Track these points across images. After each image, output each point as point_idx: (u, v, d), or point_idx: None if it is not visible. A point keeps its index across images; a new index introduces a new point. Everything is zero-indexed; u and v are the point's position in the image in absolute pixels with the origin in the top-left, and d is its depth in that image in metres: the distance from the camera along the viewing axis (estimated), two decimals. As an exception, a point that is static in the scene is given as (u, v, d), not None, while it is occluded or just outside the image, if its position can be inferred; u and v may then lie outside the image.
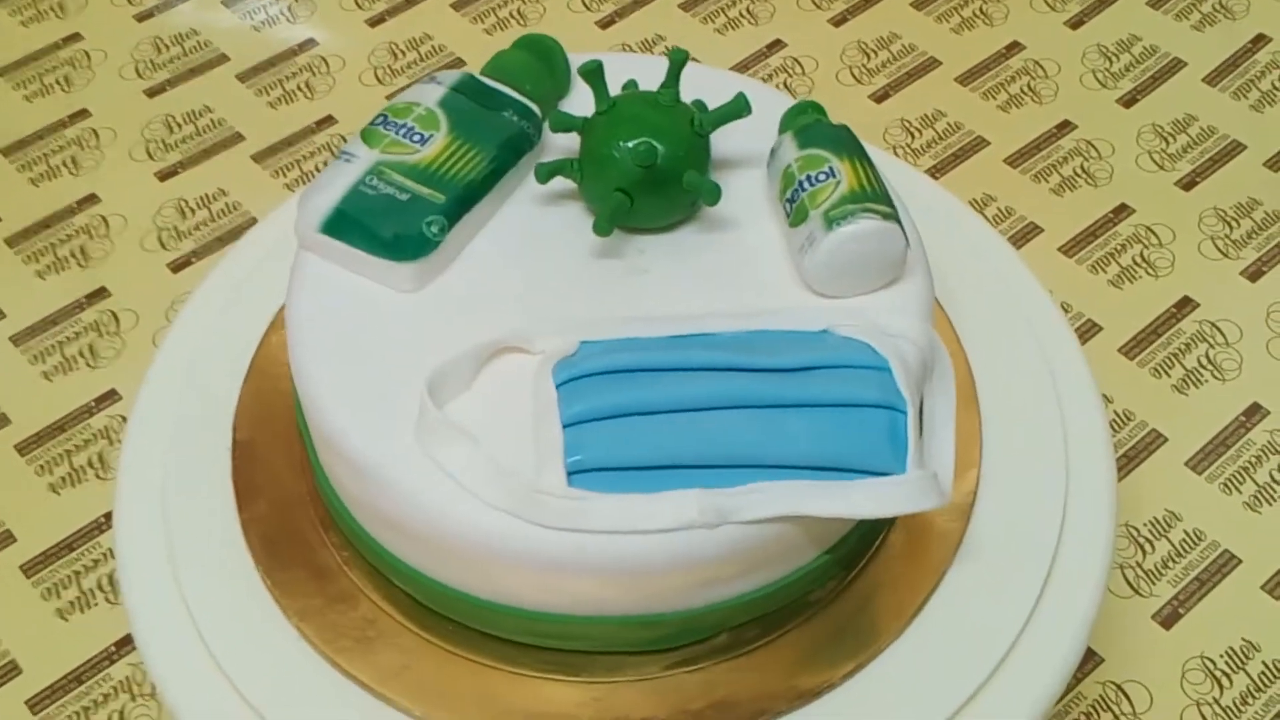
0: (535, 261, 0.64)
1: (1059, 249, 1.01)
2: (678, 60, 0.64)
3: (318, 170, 1.08)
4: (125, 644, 0.83)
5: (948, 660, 0.62)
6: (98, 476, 0.89)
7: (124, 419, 0.92)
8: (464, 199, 0.64)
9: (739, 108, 0.63)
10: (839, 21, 1.19)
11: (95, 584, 0.85)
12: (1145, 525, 0.86)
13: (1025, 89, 1.14)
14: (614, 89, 0.68)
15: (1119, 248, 1.02)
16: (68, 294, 1.00)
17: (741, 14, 1.19)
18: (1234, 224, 1.03)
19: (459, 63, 1.16)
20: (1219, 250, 1.01)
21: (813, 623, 0.63)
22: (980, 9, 1.19)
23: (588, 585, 0.57)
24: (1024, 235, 1.03)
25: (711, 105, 0.66)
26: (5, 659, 0.83)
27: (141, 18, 1.21)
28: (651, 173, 0.62)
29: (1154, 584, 0.83)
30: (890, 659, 0.62)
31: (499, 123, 0.67)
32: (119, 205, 1.06)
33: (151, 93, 1.15)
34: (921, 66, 1.15)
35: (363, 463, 0.58)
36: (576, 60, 0.72)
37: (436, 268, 0.63)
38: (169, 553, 0.67)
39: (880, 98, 1.13)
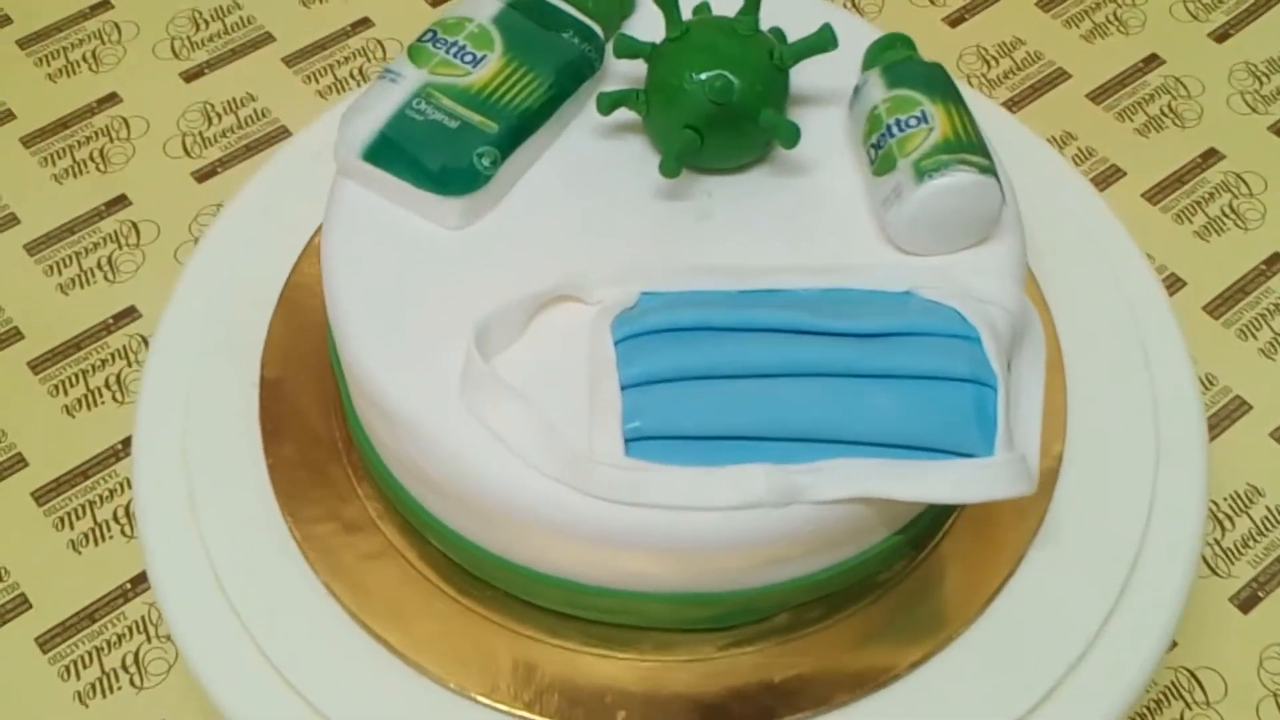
0: (593, 199, 0.60)
1: (1142, 195, 0.96)
2: (759, -14, 0.59)
3: (352, 78, 1.04)
4: (141, 581, 0.81)
5: (1024, 651, 0.59)
6: (115, 400, 0.86)
7: (144, 339, 0.89)
8: (519, 129, 0.60)
9: (824, 41, 0.59)
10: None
11: (111, 515, 0.82)
12: (1225, 500, 0.82)
13: (1111, 17, 1.08)
14: (685, 13, 0.63)
15: (1206, 196, 0.97)
16: (86, 200, 0.97)
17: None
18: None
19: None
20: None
21: (878, 605, 0.59)
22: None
23: (641, 561, 0.54)
24: (1105, 179, 0.98)
25: (791, 35, 0.62)
26: (14, 592, 0.81)
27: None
28: (725, 109, 0.58)
29: (1233, 564, 0.80)
30: (962, 647, 0.59)
31: (558, 44, 0.62)
32: (141, 107, 1.02)
33: (178, -12, 1.11)
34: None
35: (401, 416, 0.54)
36: (642, -25, 0.68)
37: (487, 203, 0.59)
38: (189, 498, 0.64)
39: (955, 21, 1.08)
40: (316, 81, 1.04)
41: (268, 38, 1.07)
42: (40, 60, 1.05)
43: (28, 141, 1.00)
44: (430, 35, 0.62)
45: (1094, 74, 1.04)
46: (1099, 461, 0.64)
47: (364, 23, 1.08)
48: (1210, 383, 0.88)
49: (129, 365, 0.88)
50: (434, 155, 0.59)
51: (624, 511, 0.52)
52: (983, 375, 0.54)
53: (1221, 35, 1.07)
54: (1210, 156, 0.99)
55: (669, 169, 0.58)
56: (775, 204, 0.60)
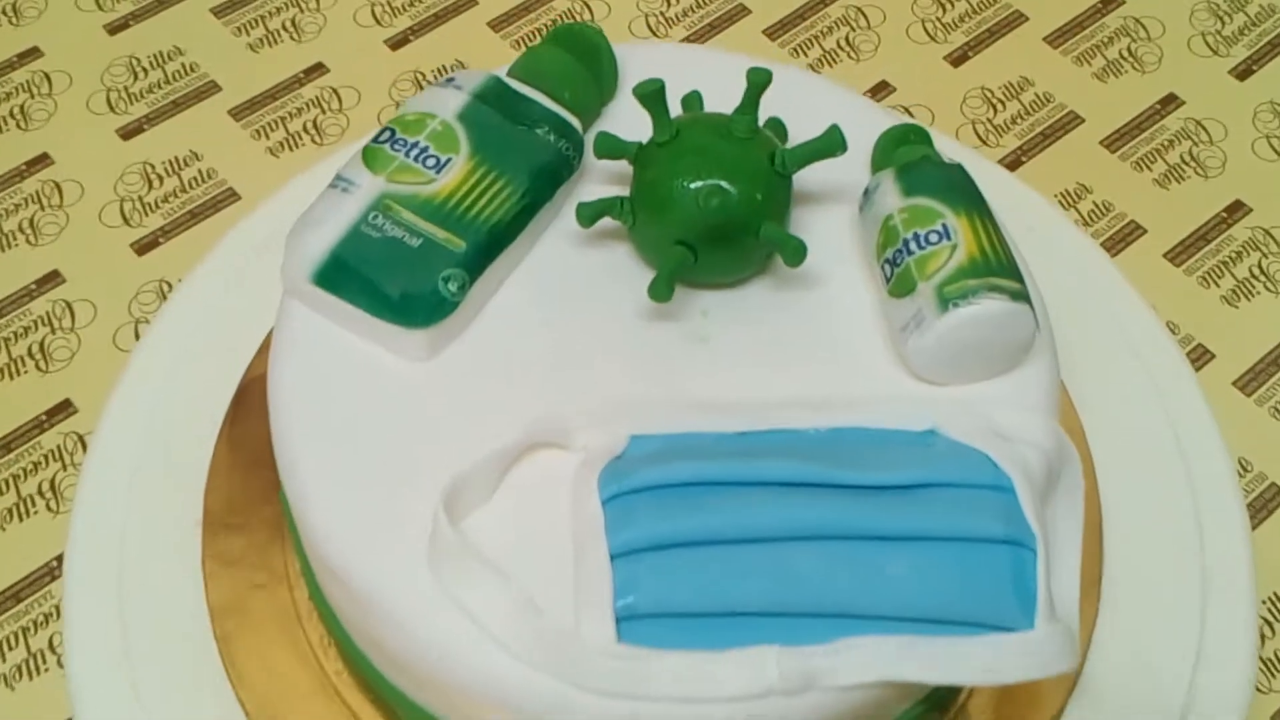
0: (573, 321, 0.55)
1: (1164, 255, 0.92)
2: (757, 83, 0.54)
3: (305, 132, 0.98)
4: None
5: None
6: (49, 508, 0.81)
7: (80, 438, 0.83)
8: (489, 245, 0.55)
9: (831, 145, 0.54)
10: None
11: (46, 643, 0.77)
12: (1266, 603, 0.78)
13: (1125, 53, 1.03)
14: (674, 104, 0.58)
15: (1234, 255, 0.92)
16: (16, 277, 0.91)
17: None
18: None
19: (469, 1, 1.06)
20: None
21: (900, 775, 0.55)
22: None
23: (635, 751, 0.49)
24: (1123, 237, 0.93)
25: (791, 118, 0.57)
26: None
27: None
28: (721, 223, 0.53)
29: (1273, 678, 0.75)
30: (993, 822, 0.55)
31: (532, 143, 0.57)
32: (75, 169, 0.96)
33: (113, 29, 1.05)
34: (1005, 22, 1.05)
35: (364, 591, 0.49)
36: (625, 54, 0.62)
37: (453, 331, 0.54)
38: (123, 641, 0.59)
39: (958, 60, 1.03)
40: (266, 137, 0.98)
41: (213, 87, 1.01)
42: (-38, 117, 0.99)
43: (-48, 209, 0.94)
44: (388, 135, 0.57)
45: (1108, 118, 1.00)
46: (1139, 600, 0.60)
47: (318, 69, 1.03)
48: (1246, 467, 0.83)
49: (64, 468, 0.82)
50: (394, 280, 0.53)
51: (620, 704, 0.47)
52: (1019, 535, 0.49)
53: (1244, 72, 1.03)
54: (1236, 210, 0.95)
55: (660, 293, 0.53)
56: (778, 324, 0.55)
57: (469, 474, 0.50)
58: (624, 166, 0.57)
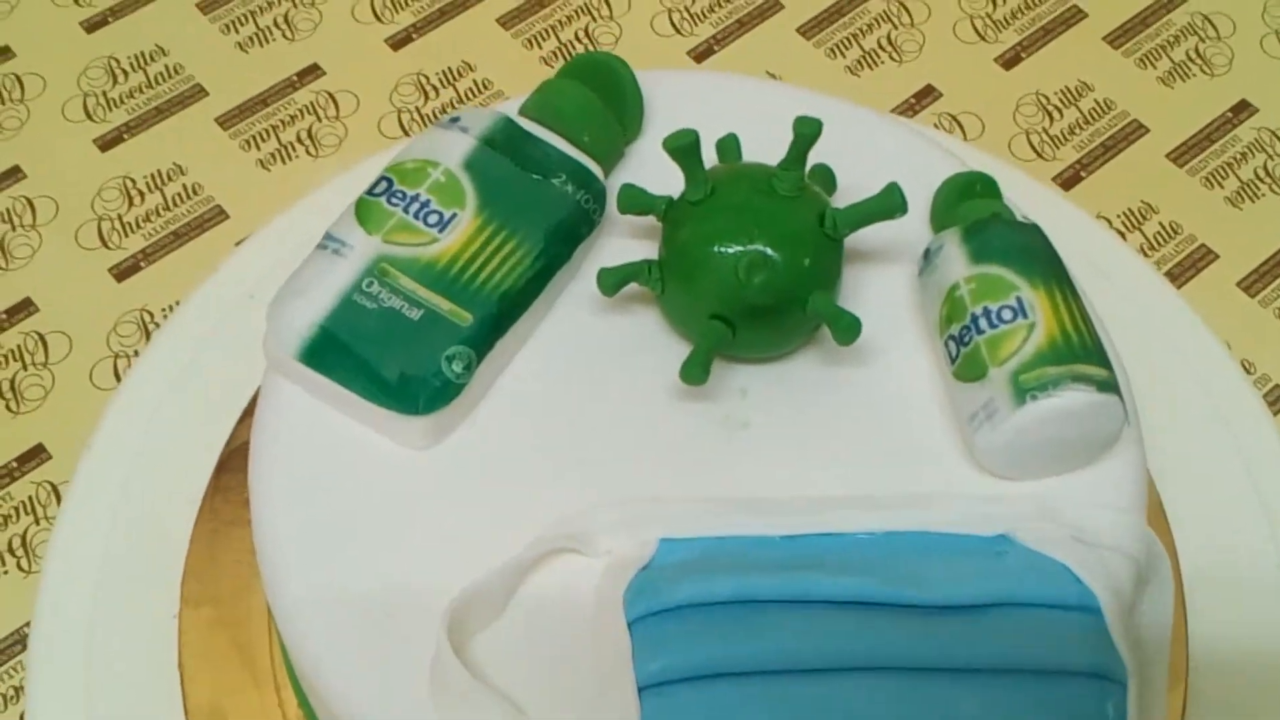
0: (593, 402, 0.50)
1: (1237, 284, 0.87)
2: (805, 134, 0.49)
3: (299, 142, 0.94)
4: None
5: None
6: (20, 568, 0.76)
7: (54, 488, 0.79)
8: (499, 318, 0.50)
9: (890, 206, 0.49)
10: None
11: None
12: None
13: (1193, 53, 0.98)
14: (706, 141, 0.53)
15: (1314, 283, 0.87)
16: (-14, 306, 0.87)
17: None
18: None
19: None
20: None
21: None
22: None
23: None
24: (1193, 263, 0.88)
25: (836, 151, 0.52)
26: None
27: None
28: (763, 294, 0.48)
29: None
30: None
31: (547, 196, 0.52)
32: (48, 184, 0.91)
33: (90, 25, 1.00)
34: (1061, 19, 1.00)
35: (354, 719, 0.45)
36: (651, 83, 0.57)
37: (458, 416, 0.50)
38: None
39: (1010, 61, 0.98)
40: (257, 147, 0.93)
41: (199, 91, 0.96)
42: (-72, 125, 0.95)
43: (-86, 230, 0.90)
44: (384, 187, 0.52)
45: (1175, 127, 0.94)
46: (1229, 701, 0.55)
47: (312, 70, 0.97)
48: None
49: (36, 522, 0.78)
50: (391, 359, 0.49)
51: None
52: (1109, 667, 0.44)
53: (1318, 74, 0.97)
54: (1319, 236, 0.90)
55: (694, 376, 0.48)
56: (827, 406, 0.50)
57: (476, 589, 0.45)
58: (651, 221, 0.52)
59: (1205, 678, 0.55)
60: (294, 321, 0.50)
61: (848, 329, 0.48)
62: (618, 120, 0.56)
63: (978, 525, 0.48)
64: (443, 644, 0.44)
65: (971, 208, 0.52)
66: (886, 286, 0.53)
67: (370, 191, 0.52)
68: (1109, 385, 0.47)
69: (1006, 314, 0.48)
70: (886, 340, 0.52)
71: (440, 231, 0.51)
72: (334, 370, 0.49)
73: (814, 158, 0.52)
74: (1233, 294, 0.87)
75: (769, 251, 0.48)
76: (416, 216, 0.51)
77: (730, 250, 0.48)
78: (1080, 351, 0.47)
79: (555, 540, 0.47)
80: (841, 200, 0.52)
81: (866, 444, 0.50)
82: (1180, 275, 0.88)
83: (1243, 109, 0.96)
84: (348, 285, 0.50)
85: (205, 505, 0.59)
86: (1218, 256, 0.89)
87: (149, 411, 0.63)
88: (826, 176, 0.54)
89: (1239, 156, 0.94)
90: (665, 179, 0.52)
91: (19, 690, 0.74)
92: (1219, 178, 0.93)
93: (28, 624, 0.71)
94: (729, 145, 0.53)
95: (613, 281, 0.50)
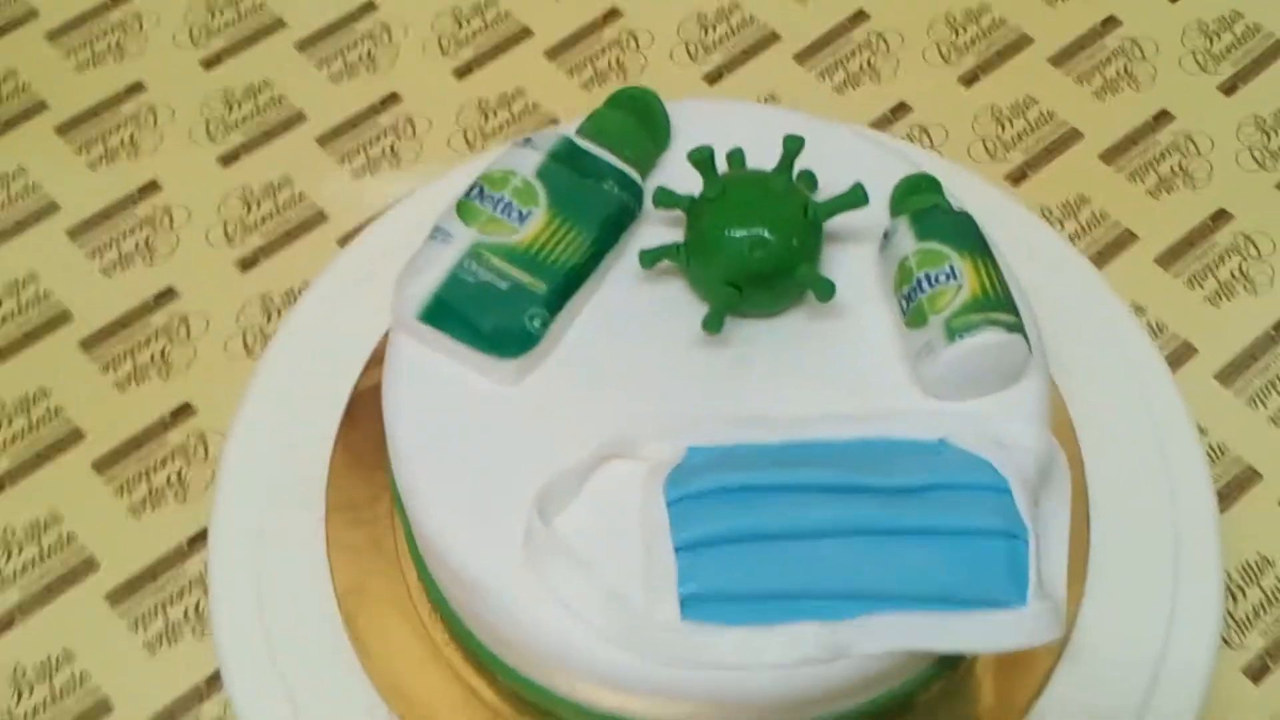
0: (637, 349, 0.63)
1: (1154, 260, 0.99)
2: (791, 149, 0.62)
3: (384, 157, 1.07)
4: (215, 680, 0.85)
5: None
6: (176, 499, 0.90)
7: (202, 436, 0.92)
8: (566, 286, 0.63)
9: (855, 199, 0.62)
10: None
11: (181, 615, 0.86)
12: (1237, 570, 0.86)
13: (1122, 71, 1.10)
14: (719, 151, 0.65)
15: (1217, 260, 0.99)
16: (136, 293, 1.00)
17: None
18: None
19: (525, 33, 1.13)
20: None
21: (917, 724, 0.63)
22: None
23: (697, 709, 0.57)
24: (1118, 245, 1.00)
25: (821, 167, 0.64)
26: (96, 695, 0.85)
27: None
28: (763, 266, 0.61)
29: (1244, 635, 0.83)
30: (998, 763, 0.63)
31: (600, 196, 0.65)
32: (181, 195, 1.05)
33: (208, 63, 1.13)
34: (1012, 45, 1.12)
35: (470, 577, 0.58)
36: (676, 110, 0.70)
37: (537, 360, 0.62)
38: (263, 628, 0.68)
39: (969, 80, 1.10)
40: (350, 162, 1.06)
41: (299, 117, 1.09)
42: (80, 148, 1.08)
43: (74, 233, 1.03)
44: (477, 191, 0.65)
45: (1106, 133, 1.07)
46: (1121, 575, 0.68)
47: (393, 98, 1.10)
48: (1221, 452, 0.91)
49: (188, 463, 0.91)
50: (487, 318, 0.62)
51: (682, 671, 0.55)
52: (1014, 528, 0.57)
53: (1230, 88, 1.09)
54: (1220, 218, 1.02)
55: (713, 326, 0.61)
56: (811, 350, 0.63)
57: (556, 481, 0.58)
58: (678, 213, 0.65)
59: (1101, 553, 0.68)
60: (416, 291, 0.62)
61: (825, 290, 0.61)
62: (651, 139, 0.68)
63: (923, 433, 0.60)
64: (534, 520, 0.57)
65: (918, 200, 0.65)
66: (856, 259, 0.65)
67: (467, 195, 0.65)
68: (1016, 327, 0.59)
69: (942, 277, 0.61)
70: (855, 299, 0.64)
71: (520, 224, 0.64)
72: (446, 326, 0.62)
73: (800, 165, 0.64)
74: (1151, 268, 0.99)
75: (766, 234, 0.61)
76: (502, 213, 0.64)
77: (738, 234, 0.61)
78: (995, 303, 0.60)
79: (612, 448, 0.60)
80: (821, 196, 0.65)
81: (841, 375, 0.62)
82: (1107, 253, 1.00)
83: (1163, 117, 1.08)
84: (453, 264, 0.63)
85: (340, 435, 0.72)
86: (1139, 238, 1.01)
87: (290, 368, 0.75)
88: (809, 179, 0.66)
89: (1159, 156, 1.05)
90: (687, 181, 0.65)
91: (183, 591, 0.88)
92: (1141, 174, 1.04)
93: (188, 540, 0.85)
94: (736, 156, 0.66)
95: (650, 258, 0.63)
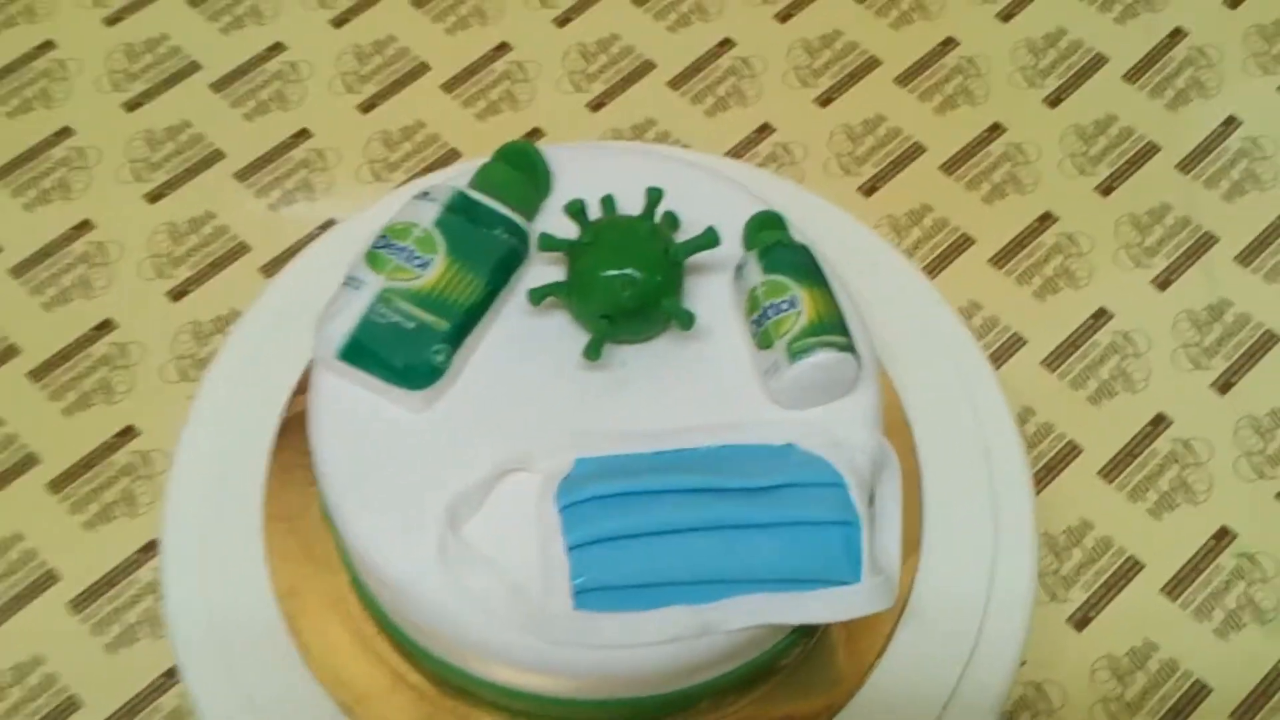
0: (529, 375, 0.70)
1: (989, 260, 1.08)
2: (654, 198, 0.69)
3: (299, 189, 1.12)
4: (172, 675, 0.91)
5: (907, 695, 0.71)
6: (127, 514, 0.96)
7: (144, 455, 0.98)
8: (465, 323, 0.69)
9: (709, 241, 0.69)
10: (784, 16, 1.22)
11: (137, 618, 0.92)
12: (1062, 534, 0.95)
13: (960, 89, 1.18)
14: (595, 187, 0.72)
15: (1043, 258, 1.09)
16: (79, 328, 1.05)
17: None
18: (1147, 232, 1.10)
19: (423, 67, 1.19)
20: (1131, 260, 1.09)
21: (783, 684, 0.71)
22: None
23: (589, 683, 0.65)
24: (956, 249, 1.09)
25: (679, 196, 0.72)
26: (63, 695, 0.90)
27: (111, 21, 1.22)
28: (632, 301, 0.68)
29: (1069, 589, 0.93)
30: (857, 703, 0.71)
31: (492, 242, 0.72)
32: (112, 232, 1.09)
33: (130, 106, 1.18)
34: (862, 67, 1.20)
35: (393, 580, 0.64)
36: (556, 156, 0.77)
37: (443, 389, 0.69)
38: (212, 627, 0.74)
39: (825, 101, 1.18)
40: (267, 195, 1.12)
41: (218, 154, 1.14)
42: (15, 191, 1.12)
43: (16, 271, 1.08)
44: (384, 242, 0.71)
45: (945, 146, 1.15)
46: (949, 542, 0.77)
47: (303, 134, 1.16)
48: (1047, 430, 1.00)
49: (134, 480, 0.96)
50: (397, 355, 0.68)
51: (576, 651, 0.63)
52: (849, 518, 0.65)
53: (1054, 100, 1.18)
54: (1045, 220, 1.11)
55: (593, 354, 0.68)
56: (678, 370, 0.70)
57: (463, 493, 0.65)
58: (560, 254, 0.72)
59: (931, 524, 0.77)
60: (333, 333, 0.69)
61: (686, 321, 0.69)
62: (534, 188, 0.75)
63: (773, 438, 0.68)
64: (445, 529, 0.64)
65: (765, 236, 0.72)
66: (712, 291, 0.72)
67: (374, 245, 0.72)
68: (847, 347, 0.67)
69: (784, 306, 0.68)
70: (714, 324, 0.71)
71: (423, 270, 0.70)
72: (362, 364, 0.68)
73: (665, 203, 0.72)
74: (985, 268, 1.08)
75: (634, 273, 0.68)
76: (406, 261, 0.70)
77: (610, 274, 0.68)
78: (829, 327, 0.67)
79: (510, 461, 0.67)
80: (682, 236, 0.72)
81: (703, 391, 0.69)
82: (948, 256, 1.09)
83: (994, 129, 1.17)
84: (366, 308, 0.68)
85: (275, 454, 0.78)
86: (975, 241, 1.10)
87: (224, 396, 0.81)
88: (672, 220, 0.73)
89: (990, 167, 1.14)
90: (568, 225, 0.72)
91: (136, 599, 0.93)
92: (977, 184, 1.13)
93: (138, 550, 0.90)
94: (608, 202, 0.73)
95: (537, 296, 0.70)
